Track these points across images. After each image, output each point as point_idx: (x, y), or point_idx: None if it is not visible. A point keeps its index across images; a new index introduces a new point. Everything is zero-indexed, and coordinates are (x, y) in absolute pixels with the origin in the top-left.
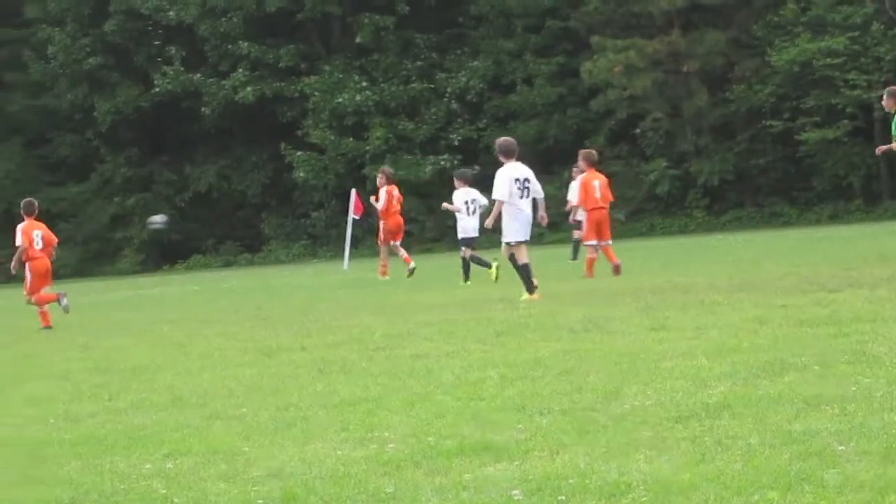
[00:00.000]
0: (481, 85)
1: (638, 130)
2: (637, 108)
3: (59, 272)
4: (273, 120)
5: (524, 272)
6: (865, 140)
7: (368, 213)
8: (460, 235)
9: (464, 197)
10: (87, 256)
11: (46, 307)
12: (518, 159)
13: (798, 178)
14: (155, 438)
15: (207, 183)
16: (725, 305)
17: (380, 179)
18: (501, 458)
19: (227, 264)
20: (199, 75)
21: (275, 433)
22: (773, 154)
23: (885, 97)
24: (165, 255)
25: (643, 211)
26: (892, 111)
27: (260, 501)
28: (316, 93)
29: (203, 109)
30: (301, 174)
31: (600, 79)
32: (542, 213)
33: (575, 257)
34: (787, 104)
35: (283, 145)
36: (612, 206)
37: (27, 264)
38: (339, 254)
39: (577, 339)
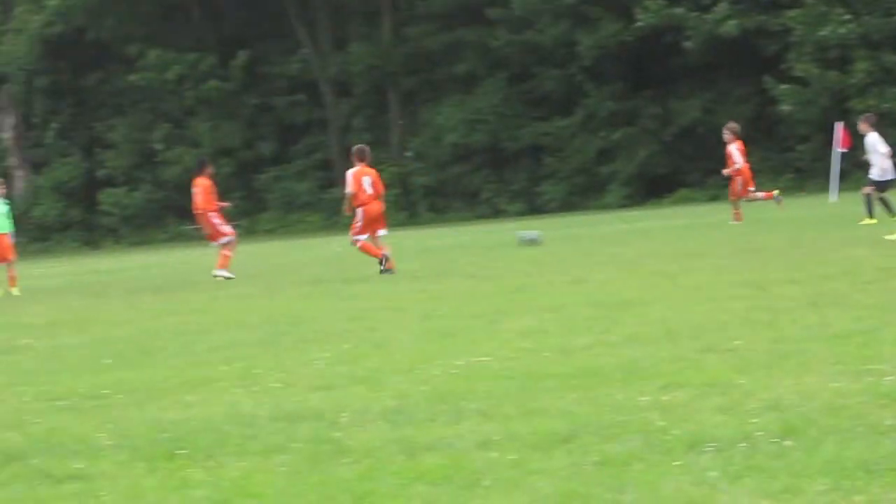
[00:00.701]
0: None
1: None
2: None
3: (548, 206)
4: (756, 53)
5: None
6: None
7: (855, 146)
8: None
9: None
10: (573, 190)
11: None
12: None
13: None
14: (650, 371)
15: (692, 117)
16: None
17: (727, 136)
18: None
19: (714, 198)
20: (681, 9)
21: (769, 366)
22: None
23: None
24: (652, 189)
25: None
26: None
27: (759, 433)
28: (799, 26)
29: (686, 43)
30: (786, 107)
31: None
32: None
33: None
34: None
35: (766, 78)
36: None
37: (360, 209)
38: (826, 187)
39: None
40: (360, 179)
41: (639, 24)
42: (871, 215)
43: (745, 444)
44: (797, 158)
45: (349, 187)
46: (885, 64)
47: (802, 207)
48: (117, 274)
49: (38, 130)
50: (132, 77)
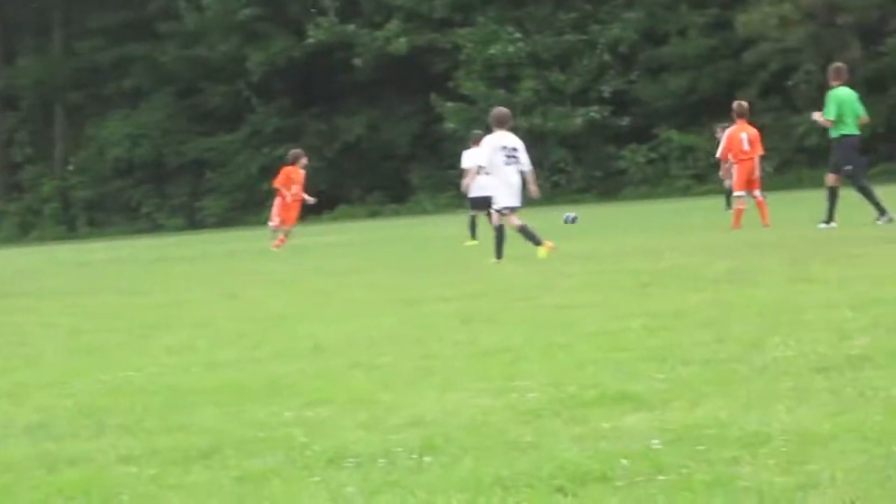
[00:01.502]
0: (634, 36)
1: (790, 83)
2: (790, 60)
3: (206, 220)
4: (424, 71)
5: (499, 236)
6: None
7: None
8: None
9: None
10: (233, 206)
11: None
12: (512, 130)
13: None
14: (295, 387)
15: (356, 134)
16: (871, 257)
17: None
18: (641, 408)
19: (373, 214)
20: (352, 26)
21: (415, 382)
22: None
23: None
24: (312, 205)
25: (792, 163)
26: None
27: (399, 449)
28: (469, 44)
29: (355, 60)
30: (450, 125)
31: (754, 31)
32: (531, 186)
33: (729, 207)
34: None
35: (433, 96)
36: (762, 159)
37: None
38: None
39: (720, 290)
40: None
41: (310, 40)
42: (473, 237)
43: (384, 460)
44: (459, 176)
45: None
46: (551, 83)
47: (461, 224)
48: None
49: None
50: None
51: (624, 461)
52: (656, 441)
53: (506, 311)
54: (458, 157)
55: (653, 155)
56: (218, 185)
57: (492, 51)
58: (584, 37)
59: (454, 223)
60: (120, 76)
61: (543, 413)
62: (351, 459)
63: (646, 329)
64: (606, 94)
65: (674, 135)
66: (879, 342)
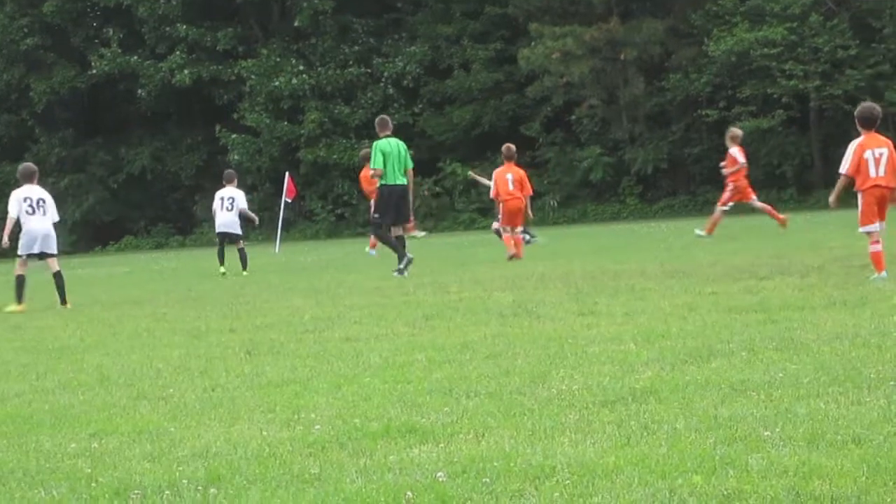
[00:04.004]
0: (418, 70)
1: (573, 117)
2: (573, 95)
3: None
4: (209, 103)
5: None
6: (800, 130)
7: (301, 196)
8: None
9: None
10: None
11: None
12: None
13: None
14: (81, 418)
15: (141, 165)
16: (655, 291)
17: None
18: (427, 441)
19: (159, 246)
20: (136, 57)
21: (201, 413)
22: (707, 143)
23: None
24: (97, 236)
25: (576, 197)
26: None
27: (185, 481)
28: (253, 76)
29: (139, 91)
30: (235, 157)
31: (537, 65)
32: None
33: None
34: (723, 93)
35: (218, 128)
36: (542, 194)
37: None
38: (271, 237)
39: (505, 323)
40: None
41: (93, 71)
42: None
43: (169, 492)
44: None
45: None
46: (335, 115)
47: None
48: None
49: None
50: None
51: (409, 493)
52: (441, 473)
53: (292, 344)
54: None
55: (437, 189)
56: (2, 216)
57: (276, 83)
58: (368, 70)
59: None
60: None
61: (329, 445)
62: (136, 491)
63: (431, 362)
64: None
65: (458, 168)
66: (664, 376)
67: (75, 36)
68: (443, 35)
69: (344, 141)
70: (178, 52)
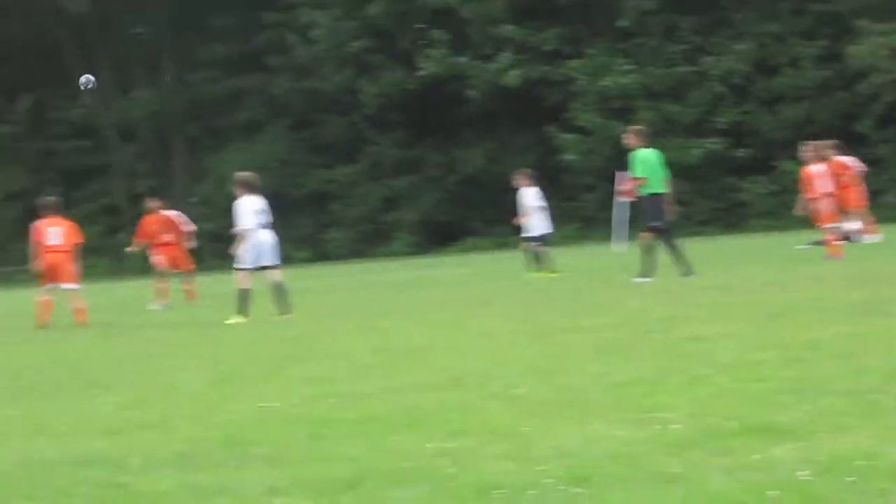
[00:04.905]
0: (746, 68)
1: None
2: None
3: (334, 252)
4: (538, 103)
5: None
6: None
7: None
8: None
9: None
10: (359, 237)
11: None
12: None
13: None
14: (435, 418)
15: (475, 165)
16: None
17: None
18: (786, 439)
19: (499, 246)
20: (464, 58)
21: (553, 413)
22: None
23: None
24: (437, 237)
25: None
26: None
27: (548, 480)
28: (581, 76)
29: (469, 93)
30: (569, 157)
31: (865, 62)
32: None
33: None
34: None
35: (548, 128)
36: (883, 192)
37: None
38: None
39: (855, 321)
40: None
41: (422, 72)
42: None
43: (534, 491)
44: (581, 207)
45: None
46: (666, 114)
47: (589, 257)
48: None
49: None
50: None
51: (774, 492)
52: (805, 472)
53: (639, 343)
54: (577, 188)
55: (773, 186)
56: (341, 217)
57: (604, 82)
58: (696, 68)
59: (578, 256)
60: (234, 109)
61: (687, 444)
62: (500, 490)
63: (781, 360)
64: (721, 126)
65: (790, 166)
66: None
67: (402, 38)
68: (769, 32)
69: (676, 139)
70: (506, 53)
